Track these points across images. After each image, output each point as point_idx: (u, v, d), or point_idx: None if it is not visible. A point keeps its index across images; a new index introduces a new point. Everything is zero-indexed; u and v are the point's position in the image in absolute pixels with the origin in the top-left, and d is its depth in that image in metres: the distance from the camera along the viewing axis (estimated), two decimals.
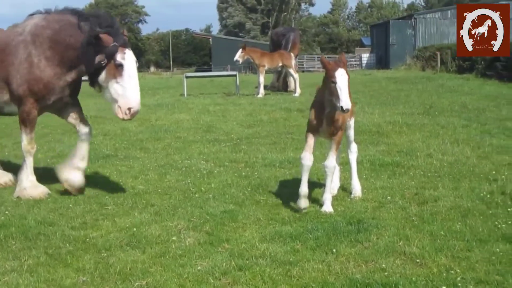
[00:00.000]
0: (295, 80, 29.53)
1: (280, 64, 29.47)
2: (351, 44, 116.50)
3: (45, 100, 10.23)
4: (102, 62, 9.59)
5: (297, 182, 9.60)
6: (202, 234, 8.37)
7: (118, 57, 9.52)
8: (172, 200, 10.13)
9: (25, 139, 10.38)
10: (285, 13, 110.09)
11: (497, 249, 7.42)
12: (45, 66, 10.02)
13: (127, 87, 9.55)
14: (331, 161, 9.40)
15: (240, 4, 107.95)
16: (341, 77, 8.48)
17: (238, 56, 28.82)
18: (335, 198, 9.83)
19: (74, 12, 10.20)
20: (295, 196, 9.41)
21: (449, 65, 44.65)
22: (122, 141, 16.24)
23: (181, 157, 13.81)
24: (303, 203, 9.32)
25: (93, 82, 9.94)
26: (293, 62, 29.93)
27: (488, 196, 9.71)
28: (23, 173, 10.56)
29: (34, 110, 10.24)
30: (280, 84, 32.64)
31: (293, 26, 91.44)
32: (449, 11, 64.58)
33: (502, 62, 35.08)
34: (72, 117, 10.71)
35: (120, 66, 9.52)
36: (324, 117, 9.07)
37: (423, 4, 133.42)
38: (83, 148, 10.65)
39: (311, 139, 9.34)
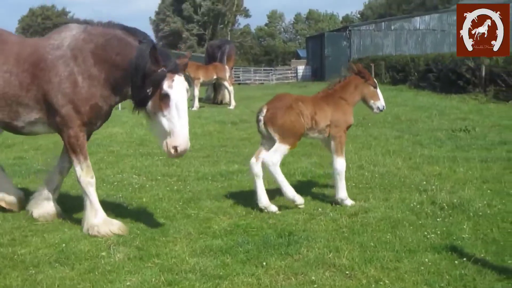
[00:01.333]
0: (229, 92, 29.54)
1: (215, 77, 29.45)
2: (287, 56, 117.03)
3: (92, 125, 9.03)
4: (148, 91, 8.39)
5: (229, 195, 9.60)
6: (132, 249, 8.23)
7: (165, 86, 8.22)
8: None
9: (80, 169, 8.89)
10: (221, 25, 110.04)
11: (426, 259, 7.50)
12: (90, 85, 8.71)
13: (174, 122, 8.21)
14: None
15: (177, 15, 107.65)
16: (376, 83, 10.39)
17: None
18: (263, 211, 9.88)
19: (121, 26, 9.03)
20: (227, 209, 9.39)
21: (383, 76, 45.19)
22: (54, 155, 15.89)
23: (113, 171, 13.62)
24: (350, 202, 10.22)
25: (138, 108, 8.81)
26: (228, 74, 29.92)
27: (418, 206, 9.82)
28: (88, 210, 9.03)
29: (82, 134, 8.84)
30: (217, 97, 32.54)
31: (229, 38, 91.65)
32: (383, 23, 65.56)
33: (434, 73, 35.69)
34: None
35: (166, 97, 8.21)
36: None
37: (358, 16, 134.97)
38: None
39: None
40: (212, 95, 33.01)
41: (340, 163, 10.11)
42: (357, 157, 14.00)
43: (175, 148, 8.26)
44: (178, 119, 8.19)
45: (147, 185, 12.06)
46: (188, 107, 25.03)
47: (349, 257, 7.65)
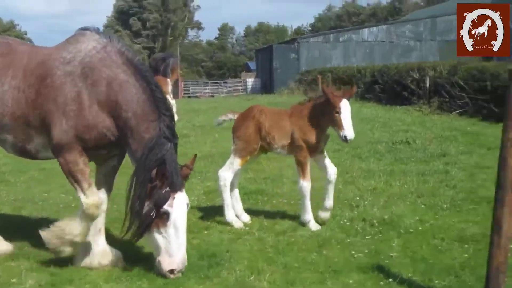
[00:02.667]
0: (172, 106, 28.99)
1: None
2: (238, 69, 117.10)
3: (96, 151, 7.82)
4: (152, 213, 7.28)
5: None
6: (45, 275, 7.80)
7: (165, 205, 7.28)
8: (21, 238, 9.45)
9: (84, 197, 7.74)
10: (171, 38, 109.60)
11: (351, 280, 7.25)
12: (98, 111, 7.53)
13: (171, 242, 7.28)
14: (333, 166, 9.77)
15: (126, 29, 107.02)
16: (345, 108, 8.99)
17: None
18: (190, 231, 9.34)
19: (144, 69, 7.79)
20: None
21: (323, 85, 45.11)
22: None
23: (41, 190, 13.12)
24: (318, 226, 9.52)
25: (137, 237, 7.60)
26: (170, 88, 29.36)
27: (348, 223, 9.57)
28: (89, 239, 8.09)
29: (83, 159, 7.68)
30: None
31: (179, 51, 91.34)
32: (331, 35, 65.72)
33: (380, 85, 35.72)
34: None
35: (165, 215, 7.28)
36: (323, 140, 9.57)
37: (309, 28, 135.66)
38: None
39: (309, 164, 9.65)
40: None
41: (302, 185, 9.54)
42: (292, 172, 13.67)
43: (172, 271, 7.34)
44: (175, 239, 7.27)
45: (73, 205, 11.57)
46: None
47: (271, 279, 7.35)
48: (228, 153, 14.26)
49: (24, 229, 9.80)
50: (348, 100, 9.08)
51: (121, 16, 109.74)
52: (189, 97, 65.18)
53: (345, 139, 9.00)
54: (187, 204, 7.49)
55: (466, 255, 7.93)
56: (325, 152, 9.78)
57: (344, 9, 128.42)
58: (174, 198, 7.29)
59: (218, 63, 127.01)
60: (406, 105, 30.27)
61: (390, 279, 7.18)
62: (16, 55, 8.11)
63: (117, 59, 7.69)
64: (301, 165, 9.53)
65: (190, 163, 7.68)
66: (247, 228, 9.58)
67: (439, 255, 8.03)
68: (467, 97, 25.63)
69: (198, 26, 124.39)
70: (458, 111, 25.96)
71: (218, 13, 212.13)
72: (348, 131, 8.95)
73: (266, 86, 66.99)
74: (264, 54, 72.94)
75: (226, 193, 9.88)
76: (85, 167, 7.74)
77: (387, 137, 19.64)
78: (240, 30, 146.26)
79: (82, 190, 7.74)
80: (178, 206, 7.31)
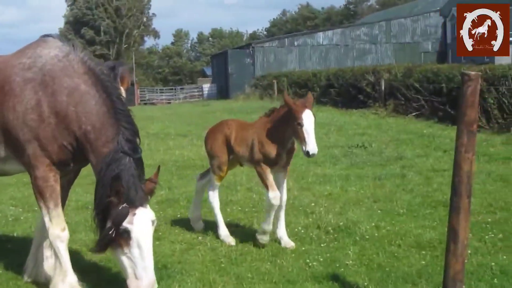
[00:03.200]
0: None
1: None
2: (195, 74, 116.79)
3: (64, 165, 7.18)
4: (110, 231, 6.50)
5: None
6: None
7: (125, 221, 6.47)
8: None
9: (48, 219, 7.12)
10: (126, 45, 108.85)
11: None
12: (57, 123, 6.92)
13: (137, 263, 6.48)
14: (285, 193, 9.04)
15: (79, 37, 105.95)
16: (308, 119, 8.03)
17: None
18: None
19: (106, 79, 7.12)
20: None
21: (286, 92, 45.04)
22: None
23: None
24: (266, 238, 8.84)
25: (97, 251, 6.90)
26: (123, 95, 29.07)
27: (303, 231, 9.37)
28: (56, 271, 7.35)
29: (53, 174, 7.07)
30: None
31: (133, 58, 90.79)
32: (286, 40, 65.79)
33: (335, 88, 35.68)
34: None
35: (125, 233, 6.47)
36: (284, 152, 8.62)
37: (265, 33, 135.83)
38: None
39: (271, 175, 8.69)
40: None
41: (269, 196, 8.55)
42: (245, 179, 13.46)
43: None
44: (140, 260, 6.45)
45: (22, 217, 11.21)
46: None
47: None
48: (181, 160, 14.07)
49: None
50: (311, 109, 8.20)
51: (74, 26, 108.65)
52: (145, 103, 64.60)
53: (307, 154, 8.04)
54: (152, 221, 6.64)
55: (423, 262, 7.77)
56: (285, 173, 8.98)
57: (299, 13, 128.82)
58: (134, 214, 6.46)
59: (175, 69, 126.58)
60: (362, 108, 30.26)
61: None
62: None
63: (79, 68, 7.09)
64: (261, 176, 8.72)
65: (154, 176, 6.93)
66: (200, 238, 9.32)
67: (396, 262, 7.85)
68: (423, 99, 25.63)
69: (154, 34, 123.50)
70: (414, 114, 25.95)
71: (172, 19, 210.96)
72: (311, 145, 8.02)
73: (222, 91, 66.78)
74: (219, 59, 72.78)
75: (215, 210, 9.46)
76: (56, 185, 7.08)
77: (343, 141, 19.54)
78: (194, 36, 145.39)
79: (47, 212, 7.08)
80: (140, 223, 6.46)
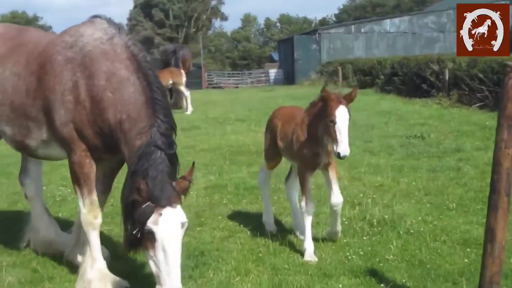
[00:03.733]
0: (186, 97, 28.75)
1: (171, 82, 28.64)
2: (263, 60, 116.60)
3: (100, 153, 7.02)
4: (135, 231, 6.10)
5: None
6: (28, 271, 7.63)
7: (149, 221, 5.96)
8: (8, 232, 9.18)
9: (82, 205, 7.05)
10: (194, 29, 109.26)
11: (340, 285, 6.90)
12: (92, 108, 6.77)
13: (161, 268, 5.92)
14: (339, 195, 8.13)
15: (149, 20, 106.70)
16: (342, 117, 7.22)
17: None
18: None
19: (147, 70, 6.84)
20: None
21: (350, 80, 44.61)
22: None
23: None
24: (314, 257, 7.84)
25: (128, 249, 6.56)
26: (184, 79, 29.18)
27: (347, 222, 9.18)
28: (86, 257, 7.30)
29: (89, 161, 6.93)
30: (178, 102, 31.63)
31: (201, 42, 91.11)
32: (352, 26, 65.03)
33: (400, 76, 35.12)
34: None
35: (150, 234, 5.98)
36: (324, 152, 7.82)
37: (334, 19, 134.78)
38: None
39: (309, 182, 8.01)
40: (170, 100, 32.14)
41: (302, 206, 8.05)
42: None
43: None
44: (165, 265, 5.89)
45: (69, 198, 11.30)
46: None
47: (256, 281, 7.07)
48: (236, 146, 13.96)
49: (15, 224, 9.50)
50: (347, 105, 7.36)
51: (144, 9, 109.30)
52: (213, 87, 64.75)
53: (338, 156, 7.24)
54: (182, 223, 6.02)
55: (467, 260, 7.49)
56: (333, 173, 8.10)
57: (368, 0, 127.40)
58: (161, 214, 5.93)
59: (243, 54, 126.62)
60: (425, 97, 29.61)
61: (382, 284, 6.83)
62: (23, 40, 7.66)
63: (122, 53, 6.88)
64: (299, 181, 8.14)
65: (188, 174, 6.34)
66: (241, 225, 9.26)
67: (438, 259, 7.61)
68: (487, 90, 24.96)
69: (222, 17, 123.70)
70: (477, 105, 25.23)
71: (240, 4, 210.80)
72: (342, 146, 7.20)
73: (288, 77, 66.38)
74: (286, 45, 72.32)
75: (263, 196, 9.31)
76: (91, 171, 6.95)
77: (402, 131, 19.08)
78: (261, 22, 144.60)
79: (82, 198, 7.01)
80: (166, 224, 5.91)
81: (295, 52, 63.28)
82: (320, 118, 7.58)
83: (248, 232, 8.94)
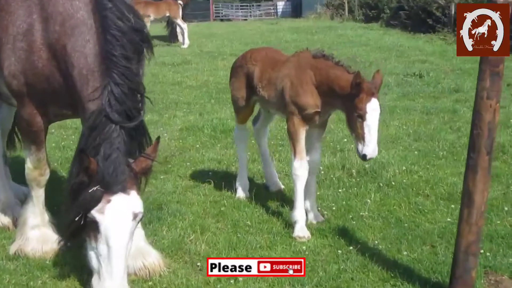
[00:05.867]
0: (183, 30, 27.75)
1: (167, 14, 27.67)
2: None
3: (55, 109, 5.98)
4: (77, 217, 4.98)
5: None
6: None
7: (95, 209, 4.91)
8: None
9: (28, 161, 6.13)
10: None
11: (304, 247, 6.24)
12: (48, 58, 5.60)
13: (102, 263, 4.97)
14: (319, 154, 7.10)
15: None
16: (373, 113, 5.95)
17: None
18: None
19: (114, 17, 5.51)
20: None
21: (356, 13, 43.39)
22: None
23: None
24: (304, 233, 6.56)
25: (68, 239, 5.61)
26: (180, 12, 28.16)
27: (323, 172, 8.38)
28: (26, 214, 6.40)
29: (39, 119, 5.89)
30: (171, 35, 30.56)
31: None
32: None
33: (406, 11, 33.96)
34: None
35: (94, 224, 4.98)
36: (326, 113, 6.73)
37: None
38: None
39: (303, 140, 6.69)
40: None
41: (293, 165, 6.63)
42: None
43: None
44: (107, 261, 4.94)
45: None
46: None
47: (212, 241, 6.35)
48: (224, 82, 13.08)
49: None
50: (378, 98, 6.05)
51: None
52: (221, 20, 63.48)
53: (363, 157, 6.02)
54: (135, 213, 4.98)
55: (450, 219, 6.70)
56: (322, 131, 7.06)
57: None
58: (109, 201, 4.92)
59: None
60: (430, 33, 28.53)
61: (351, 247, 6.08)
62: None
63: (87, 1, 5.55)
64: (290, 135, 6.72)
65: (151, 151, 5.23)
66: (210, 173, 8.45)
67: (418, 217, 6.89)
68: None
69: None
70: None
71: None
72: (370, 147, 5.95)
73: (296, 9, 65.13)
74: None
75: (238, 155, 8.02)
76: (40, 130, 5.95)
77: (400, 68, 18.04)
78: None
79: (29, 154, 6.09)
80: (113, 213, 4.91)
81: None
82: (336, 90, 6.27)
83: (215, 181, 8.10)
